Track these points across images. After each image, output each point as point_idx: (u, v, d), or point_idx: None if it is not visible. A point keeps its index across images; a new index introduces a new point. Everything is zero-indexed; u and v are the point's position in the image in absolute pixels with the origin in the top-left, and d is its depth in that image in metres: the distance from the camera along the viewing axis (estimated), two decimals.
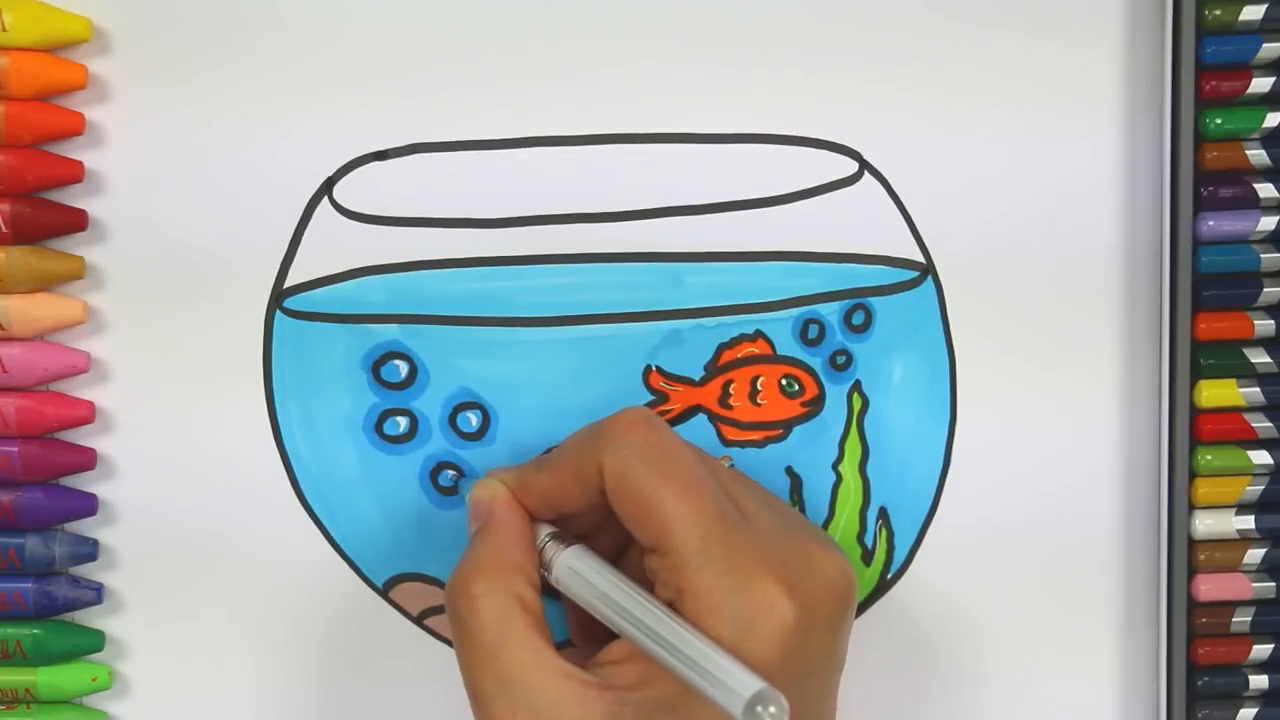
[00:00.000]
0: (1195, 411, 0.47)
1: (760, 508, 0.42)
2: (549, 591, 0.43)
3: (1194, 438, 0.47)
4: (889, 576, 0.49)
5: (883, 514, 0.48)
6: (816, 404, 0.48)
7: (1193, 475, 0.47)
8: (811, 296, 0.47)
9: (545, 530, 0.43)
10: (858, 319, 0.48)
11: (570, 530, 0.43)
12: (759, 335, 0.47)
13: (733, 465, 0.47)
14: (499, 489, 0.43)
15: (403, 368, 0.47)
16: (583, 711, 0.39)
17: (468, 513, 0.44)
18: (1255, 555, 0.48)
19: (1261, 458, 0.47)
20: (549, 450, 0.44)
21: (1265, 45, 0.46)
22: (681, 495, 0.40)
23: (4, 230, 0.45)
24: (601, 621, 0.41)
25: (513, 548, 0.42)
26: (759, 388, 0.48)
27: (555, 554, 0.42)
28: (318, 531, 0.48)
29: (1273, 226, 0.47)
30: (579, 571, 0.41)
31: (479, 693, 0.40)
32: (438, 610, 0.48)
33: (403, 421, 0.47)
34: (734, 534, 0.40)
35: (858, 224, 0.47)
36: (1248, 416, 0.47)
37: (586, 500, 0.42)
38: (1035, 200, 0.48)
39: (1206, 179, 0.47)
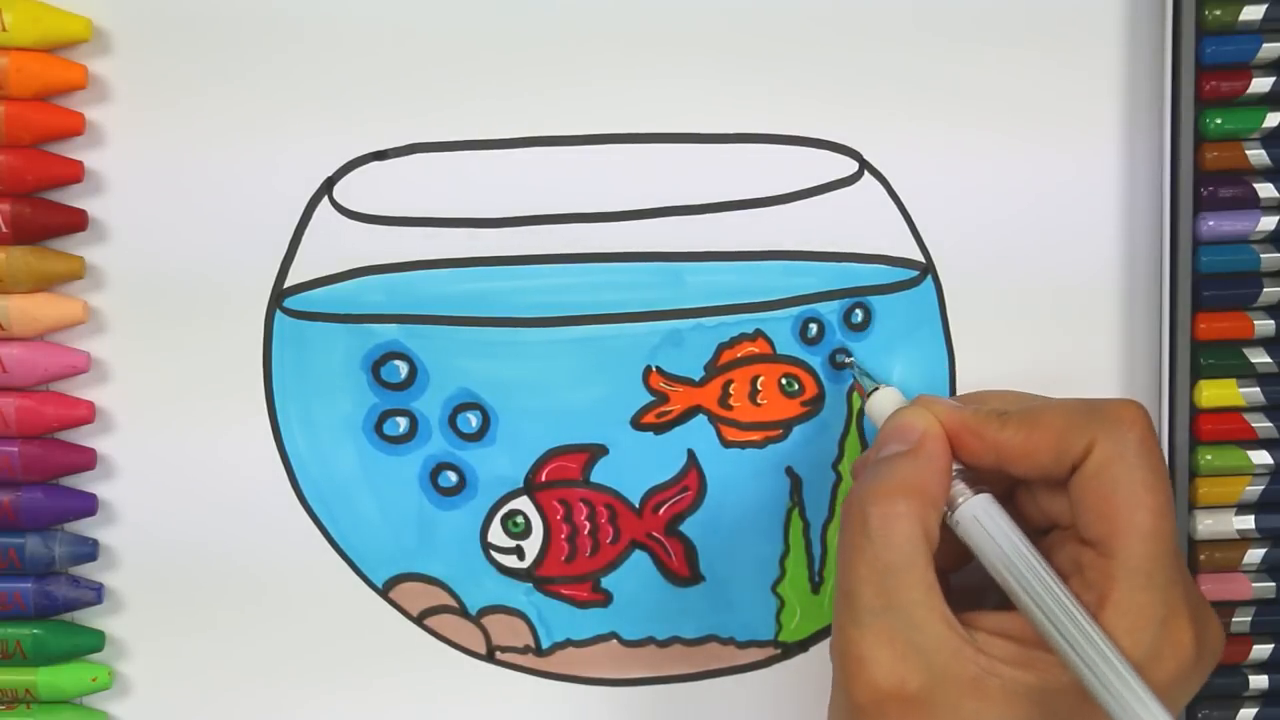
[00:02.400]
0: (1195, 411, 0.47)
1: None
2: None
3: (1194, 438, 0.47)
4: None
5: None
6: (816, 403, 0.48)
7: (1193, 475, 0.47)
8: (811, 295, 0.47)
9: (954, 465, 0.42)
10: (857, 318, 0.48)
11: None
12: (759, 334, 0.47)
13: None
14: (934, 423, 0.42)
15: (403, 368, 0.47)
16: (956, 665, 0.39)
17: (885, 428, 0.43)
18: (1255, 555, 0.48)
19: (1261, 458, 0.47)
20: (999, 408, 0.42)
21: (1265, 45, 0.46)
22: (1156, 511, 0.40)
23: (4, 230, 0.45)
24: (995, 580, 0.41)
25: (936, 482, 0.41)
26: (759, 387, 0.48)
27: (963, 495, 0.42)
28: (318, 531, 0.48)
29: (1273, 226, 0.47)
30: (985, 526, 0.41)
31: (857, 603, 0.40)
32: (437, 610, 0.48)
33: (403, 422, 0.47)
34: (1175, 568, 0.40)
35: (858, 224, 0.47)
36: (1248, 416, 0.47)
37: (1043, 470, 0.41)
38: (1035, 200, 0.48)
39: (1206, 179, 0.47)
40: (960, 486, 0.42)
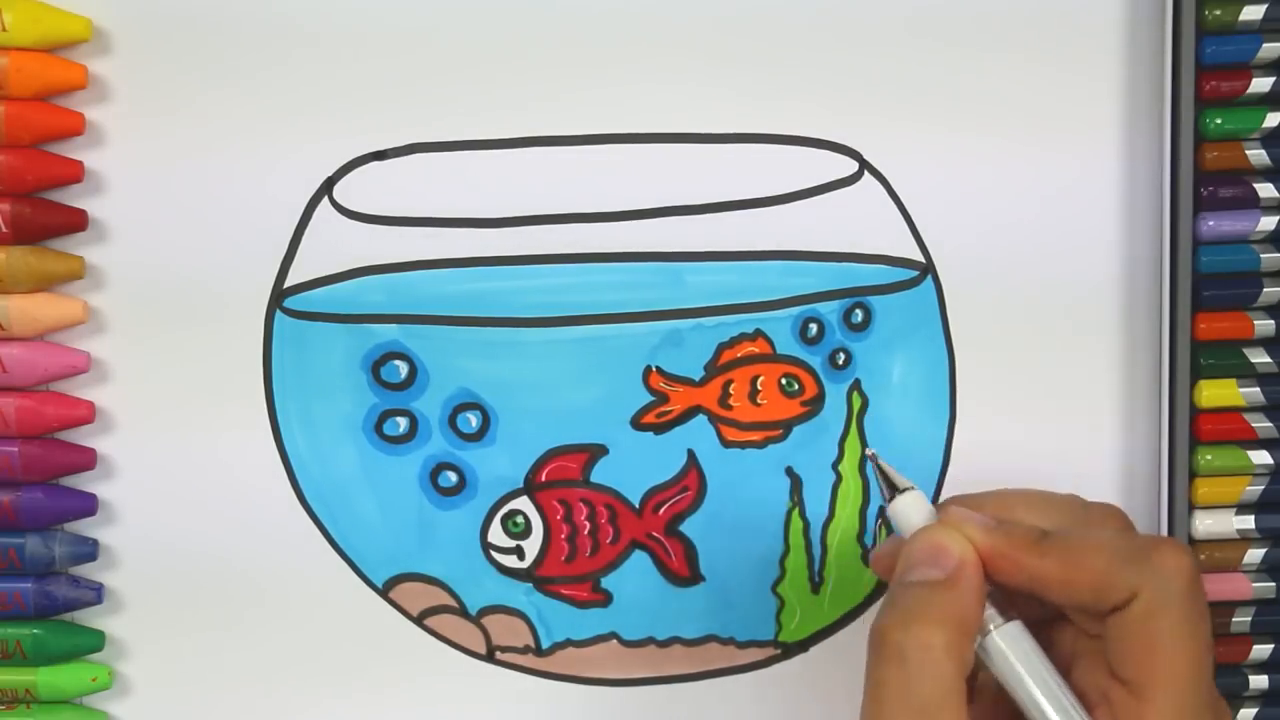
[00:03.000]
0: (1195, 411, 0.47)
1: None
2: None
3: (1194, 438, 0.47)
4: None
5: (882, 514, 0.49)
6: (816, 403, 0.48)
7: (1193, 475, 0.47)
8: (811, 295, 0.47)
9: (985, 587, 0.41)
10: (857, 318, 0.48)
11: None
12: (759, 334, 0.47)
13: None
14: (969, 549, 0.40)
15: (403, 368, 0.47)
16: None
17: (915, 547, 0.40)
18: (1255, 555, 0.48)
19: (1261, 458, 0.47)
20: (1038, 530, 0.40)
21: (1265, 45, 0.46)
22: (1196, 659, 0.38)
23: (4, 230, 0.45)
24: (1020, 709, 0.40)
25: (975, 614, 0.39)
26: (759, 387, 0.48)
27: (994, 622, 0.40)
28: (318, 531, 0.48)
29: (1273, 226, 0.47)
30: (1013, 657, 0.40)
31: None
32: (437, 610, 0.48)
33: (403, 422, 0.47)
34: (1210, 707, 0.39)
35: (858, 224, 0.47)
36: (1248, 416, 0.47)
37: (1081, 604, 0.40)
38: (1035, 200, 0.48)
39: (1206, 179, 0.47)
40: (991, 612, 0.40)
